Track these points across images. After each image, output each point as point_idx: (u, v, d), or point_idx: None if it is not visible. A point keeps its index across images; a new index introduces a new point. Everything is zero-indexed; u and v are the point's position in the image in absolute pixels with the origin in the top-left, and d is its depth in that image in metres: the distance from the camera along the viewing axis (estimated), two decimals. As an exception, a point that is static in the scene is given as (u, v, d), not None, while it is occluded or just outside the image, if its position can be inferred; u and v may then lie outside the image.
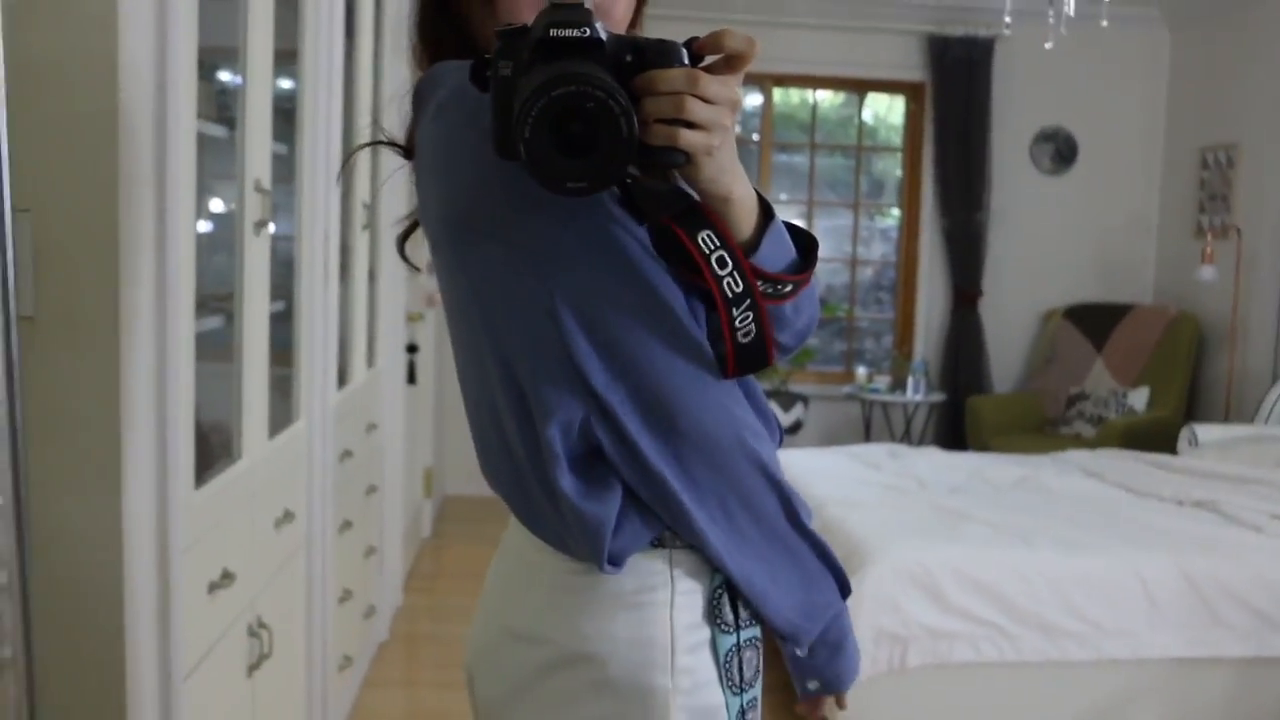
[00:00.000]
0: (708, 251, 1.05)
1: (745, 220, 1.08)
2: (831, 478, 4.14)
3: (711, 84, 0.96)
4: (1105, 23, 4.67)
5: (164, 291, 1.68)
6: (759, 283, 1.07)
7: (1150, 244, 6.51)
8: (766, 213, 1.11)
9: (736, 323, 1.07)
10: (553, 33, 0.96)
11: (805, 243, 1.16)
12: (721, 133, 0.98)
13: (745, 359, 1.09)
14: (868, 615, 3.08)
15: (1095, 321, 6.19)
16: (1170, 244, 6.37)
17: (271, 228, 2.36)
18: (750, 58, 1.00)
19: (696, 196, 1.06)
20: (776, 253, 1.11)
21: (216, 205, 2.32)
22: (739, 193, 1.05)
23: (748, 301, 1.07)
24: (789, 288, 1.11)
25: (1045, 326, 6.44)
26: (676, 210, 1.05)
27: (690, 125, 0.96)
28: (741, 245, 1.07)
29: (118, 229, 1.57)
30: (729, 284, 1.06)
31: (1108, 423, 5.58)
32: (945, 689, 3.15)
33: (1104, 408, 5.84)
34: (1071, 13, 4.04)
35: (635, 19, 1.26)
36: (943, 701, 3.16)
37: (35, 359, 1.56)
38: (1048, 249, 6.46)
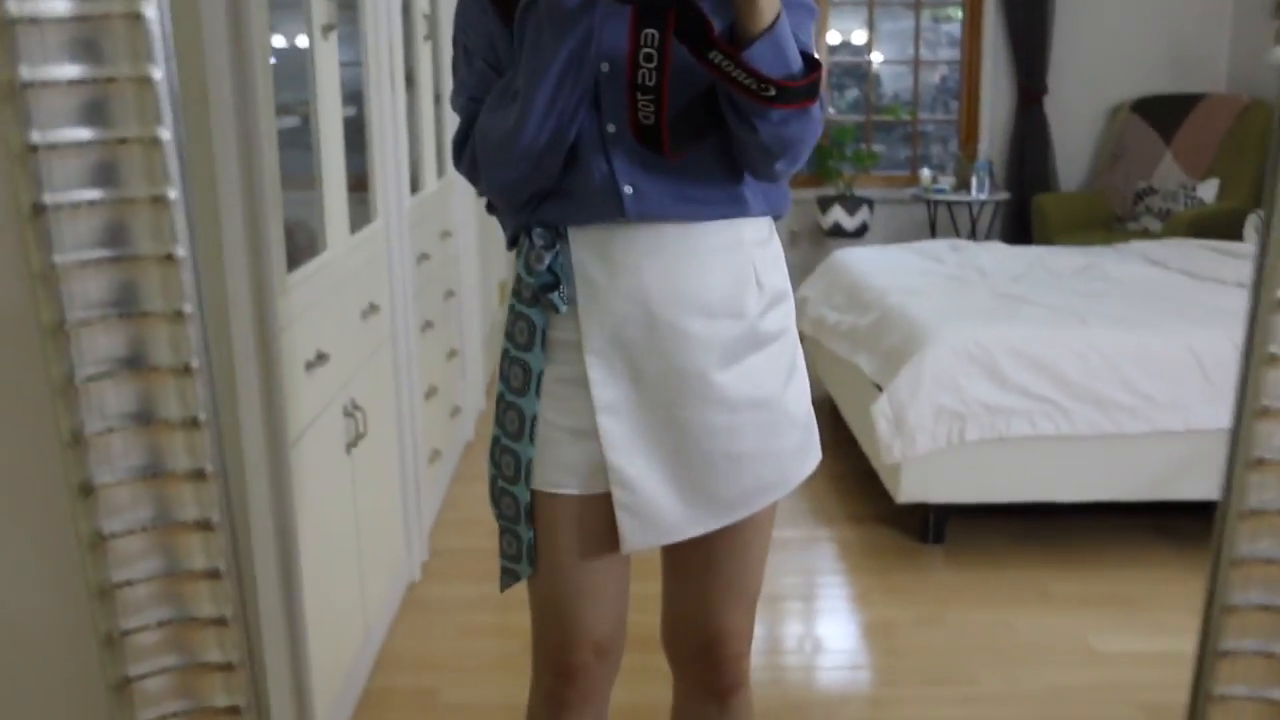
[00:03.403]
0: (641, 44, 1.32)
1: (756, 20, 1.29)
2: (894, 270, 4.23)
3: None
4: None
5: (245, 85, 1.79)
6: (742, 75, 1.30)
7: (1223, 29, 6.32)
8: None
9: (640, 104, 1.36)
10: None
11: (812, 69, 1.36)
12: None
13: (644, 136, 1.38)
14: (927, 393, 3.20)
15: (1164, 113, 6.08)
16: (1244, 28, 6.17)
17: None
18: None
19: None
20: (770, 57, 1.31)
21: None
22: None
23: (653, 95, 1.35)
24: (772, 91, 1.31)
25: (1112, 121, 6.35)
26: (646, 6, 1.30)
27: None
28: (741, 38, 1.30)
29: (201, 37, 1.66)
30: (643, 75, 1.34)
31: (1175, 215, 5.55)
32: (1002, 461, 3.28)
33: (1172, 201, 5.79)
34: None
35: None
36: (1000, 473, 3.30)
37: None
38: (1115, 41, 6.31)
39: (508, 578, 1.58)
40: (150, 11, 1.21)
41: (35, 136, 1.20)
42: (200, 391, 1.32)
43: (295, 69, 2.36)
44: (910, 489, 3.31)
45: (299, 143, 2.33)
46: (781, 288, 1.54)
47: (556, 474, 1.50)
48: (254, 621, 1.56)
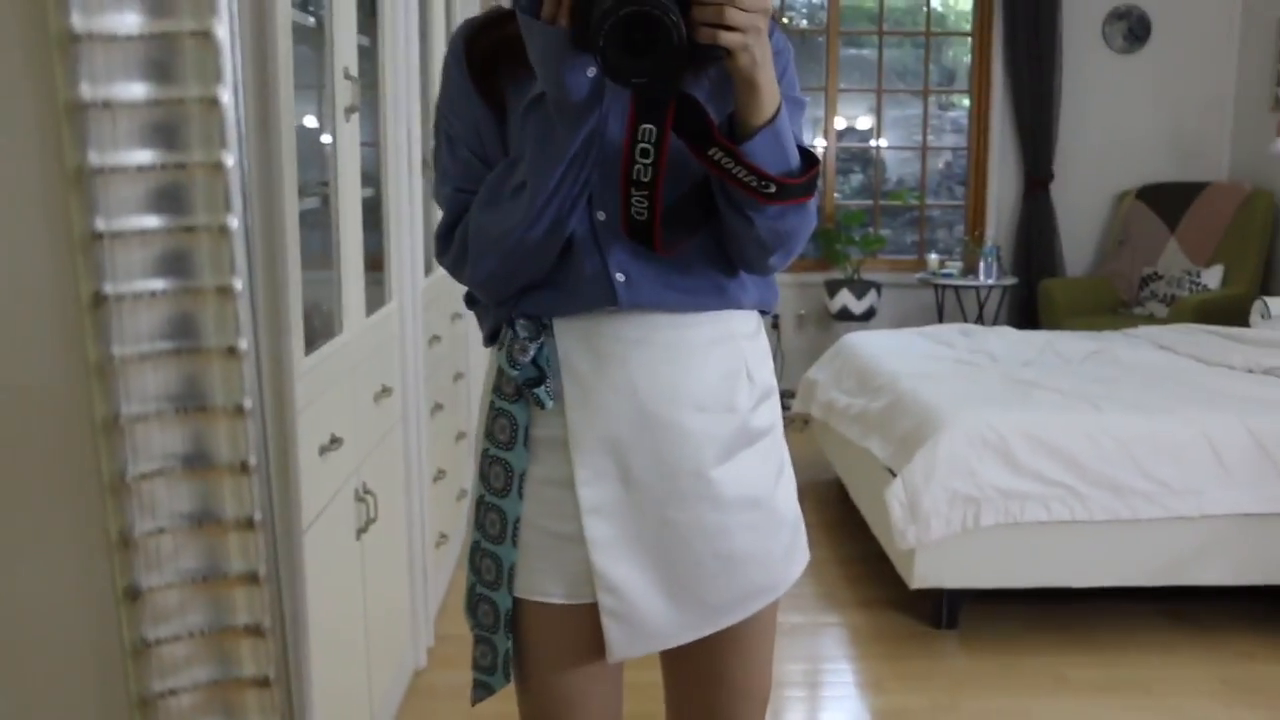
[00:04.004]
0: (638, 139, 1.29)
1: (758, 112, 1.29)
2: (904, 355, 4.23)
3: None
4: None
5: (270, 169, 1.81)
6: (742, 171, 1.29)
7: (1225, 121, 6.41)
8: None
9: (633, 200, 1.33)
10: None
11: (810, 164, 1.35)
12: (755, 34, 1.23)
13: (635, 231, 1.36)
14: (941, 478, 3.18)
15: (1168, 201, 6.14)
16: (1246, 119, 6.26)
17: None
18: None
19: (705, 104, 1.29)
20: (769, 151, 1.30)
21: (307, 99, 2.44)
22: (762, 83, 1.27)
23: (647, 190, 1.32)
24: (772, 188, 1.31)
25: (1118, 208, 6.40)
26: (645, 101, 1.28)
27: (730, 29, 1.21)
28: (740, 131, 1.30)
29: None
30: (639, 170, 1.31)
31: (1180, 300, 5.57)
32: (1017, 546, 3.26)
33: (1177, 287, 5.82)
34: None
35: None
36: (1015, 558, 3.28)
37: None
38: (1120, 130, 6.39)
39: (480, 691, 1.52)
40: (226, 97, 1.22)
41: (100, 224, 1.20)
42: (258, 491, 1.30)
43: (314, 150, 2.39)
44: (924, 574, 3.28)
45: (319, 223, 2.35)
46: (770, 383, 1.51)
47: (542, 581, 1.45)
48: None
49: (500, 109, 1.39)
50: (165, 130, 1.23)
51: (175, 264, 1.24)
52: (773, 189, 1.30)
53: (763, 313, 1.54)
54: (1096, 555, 3.28)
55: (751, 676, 1.56)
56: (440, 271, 3.62)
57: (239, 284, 1.26)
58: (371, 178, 2.84)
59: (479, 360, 4.24)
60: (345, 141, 2.39)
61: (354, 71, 2.42)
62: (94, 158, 1.17)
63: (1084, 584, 3.32)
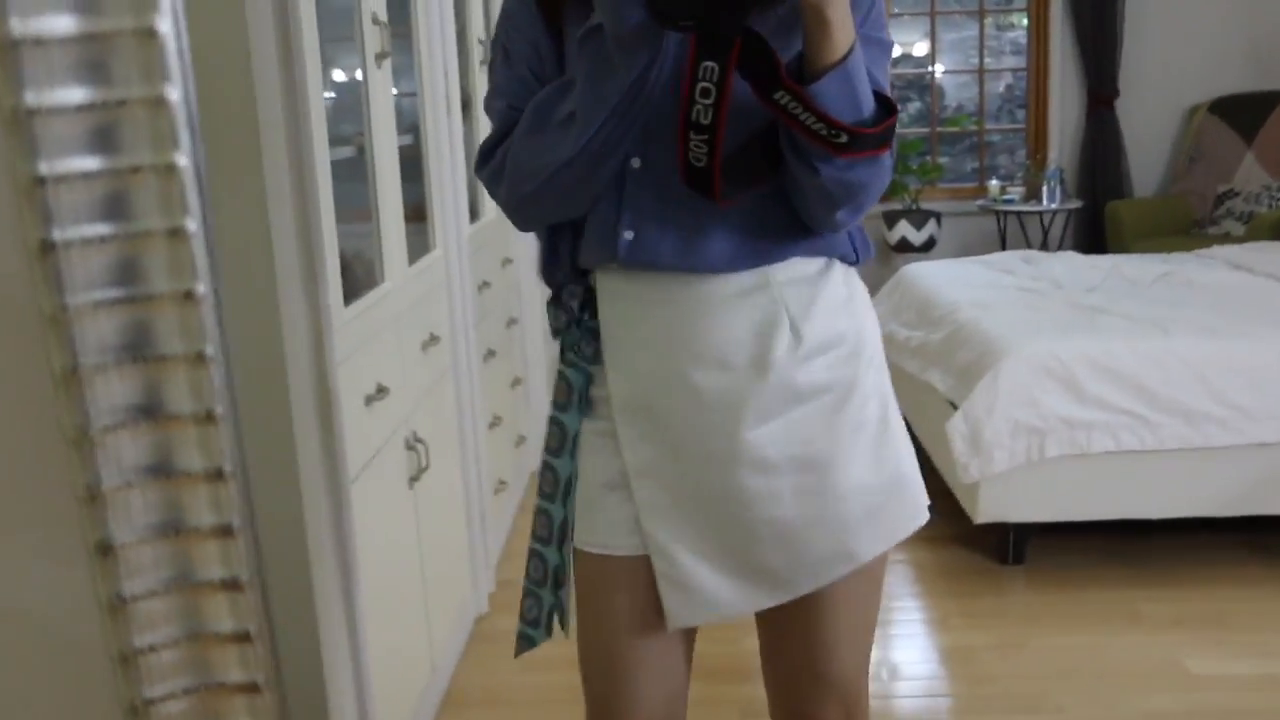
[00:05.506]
0: (699, 77, 1.18)
1: (829, 50, 1.16)
2: (965, 284, 4.12)
3: None
4: None
5: (299, 116, 1.77)
6: (810, 118, 1.17)
7: (1304, 24, 6.13)
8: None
9: (691, 144, 1.22)
10: None
11: (887, 113, 1.23)
12: None
13: (692, 178, 1.25)
14: (1004, 409, 3.10)
15: (1244, 113, 5.91)
16: (1325, 24, 5.99)
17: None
18: None
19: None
20: (838, 94, 1.18)
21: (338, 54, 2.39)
22: (834, 19, 1.14)
23: (707, 135, 1.20)
24: (843, 137, 1.19)
25: (1189, 123, 6.18)
26: (707, 37, 1.16)
27: None
28: (809, 71, 1.18)
29: (250, 66, 1.64)
30: (698, 111, 1.19)
31: (1258, 217, 5.37)
32: (1084, 478, 3.17)
33: (1255, 203, 5.61)
34: None
35: None
36: (1082, 490, 3.19)
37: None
38: (1190, 39, 6.14)
39: (524, 643, 1.50)
40: (165, 27, 1.15)
41: (43, 168, 1.14)
42: (225, 440, 1.25)
43: (351, 100, 2.35)
44: (989, 508, 3.20)
45: (356, 174, 2.31)
46: (834, 333, 1.38)
47: (602, 533, 1.42)
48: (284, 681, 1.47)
49: (560, 33, 1.33)
50: (96, 66, 1.17)
51: (119, 207, 1.19)
52: (844, 138, 1.19)
53: (850, 262, 1.43)
54: (1168, 485, 3.18)
55: (841, 645, 1.46)
56: (488, 217, 3.58)
57: (192, 225, 1.21)
58: (411, 125, 2.79)
59: (533, 305, 4.21)
60: (377, 89, 2.34)
61: (383, 17, 2.36)
62: (30, 98, 1.13)
63: (1156, 515, 3.23)
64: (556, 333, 1.41)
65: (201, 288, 1.20)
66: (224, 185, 1.66)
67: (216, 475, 1.24)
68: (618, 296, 1.37)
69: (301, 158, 1.80)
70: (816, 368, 1.36)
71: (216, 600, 1.26)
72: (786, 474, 1.35)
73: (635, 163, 1.31)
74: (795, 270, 1.37)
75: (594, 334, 1.41)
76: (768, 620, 1.51)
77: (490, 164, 1.40)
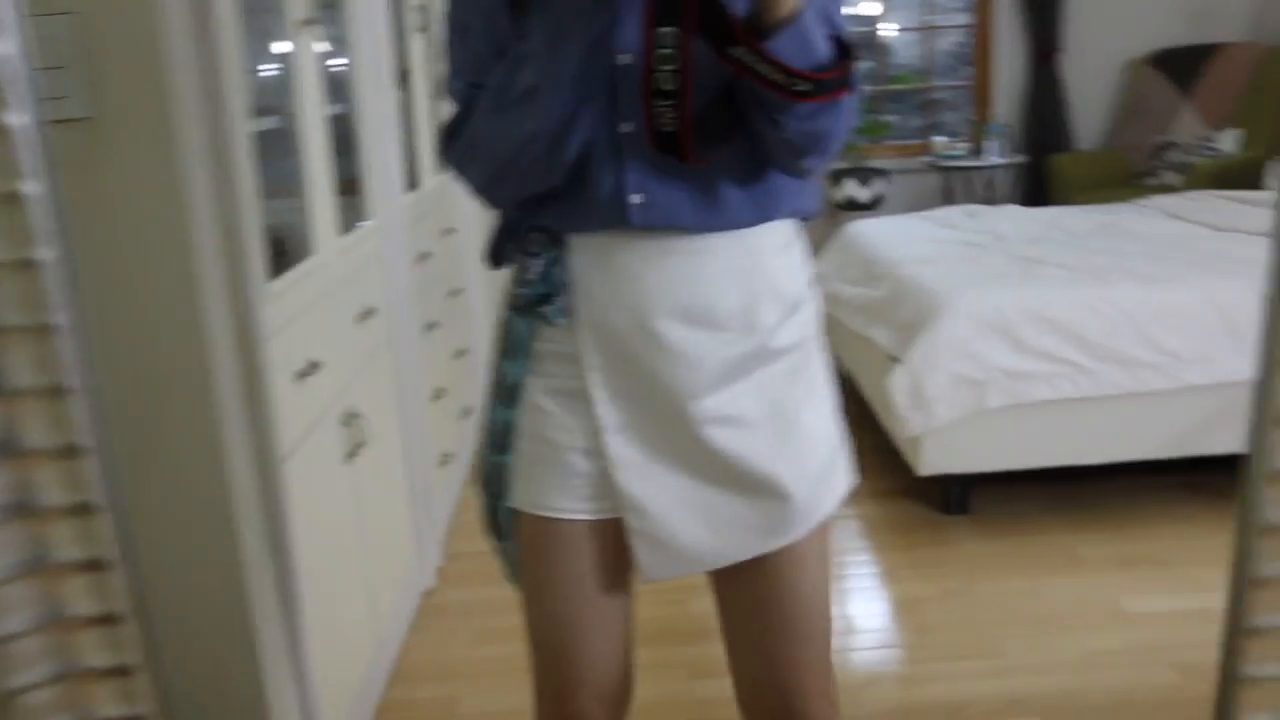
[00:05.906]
0: (656, 44, 1.20)
1: (778, 6, 1.16)
2: (908, 240, 4.15)
3: None
4: None
5: (215, 87, 1.75)
6: (768, 69, 1.17)
7: (1239, -24, 6.18)
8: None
9: (657, 109, 1.24)
10: None
11: (845, 55, 1.23)
12: None
13: (662, 143, 1.26)
14: (944, 362, 3.13)
15: (1181, 66, 5.96)
16: (1260, -27, 6.04)
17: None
18: None
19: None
20: (793, 43, 1.18)
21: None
22: None
23: (672, 100, 1.22)
24: (802, 85, 1.18)
25: (1129, 76, 6.22)
26: (662, 1, 1.18)
27: None
28: (761, 28, 1.17)
29: (159, 27, 1.61)
30: (660, 78, 1.21)
31: (1195, 168, 5.42)
32: (1025, 427, 3.21)
33: (1192, 154, 5.66)
34: None
35: None
36: (1023, 439, 3.23)
37: (99, 158, 1.64)
38: (1130, -7, 6.18)
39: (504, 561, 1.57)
40: None
41: None
42: (81, 415, 1.23)
43: (284, 70, 2.32)
44: (932, 460, 3.24)
45: (282, 145, 2.28)
46: (799, 294, 1.42)
47: (552, 496, 1.41)
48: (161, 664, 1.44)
49: (514, 3, 1.28)
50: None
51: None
52: (804, 86, 1.19)
53: (803, 220, 1.45)
54: (1107, 431, 3.23)
55: (799, 605, 1.46)
56: (427, 186, 3.56)
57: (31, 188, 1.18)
58: (343, 93, 2.76)
59: (477, 276, 4.19)
60: (303, 58, 2.32)
61: (305, -19, 2.33)
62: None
63: (1094, 461, 3.28)
64: (536, 300, 1.36)
65: (44, 254, 1.18)
66: (133, 138, 1.64)
67: (69, 452, 1.23)
68: (605, 256, 1.35)
69: (219, 129, 1.78)
70: (788, 330, 1.40)
71: (76, 583, 1.25)
72: (759, 427, 1.37)
73: (626, 127, 1.29)
74: (779, 235, 1.40)
75: (563, 290, 1.38)
76: (729, 604, 1.50)
77: (456, 146, 1.39)
